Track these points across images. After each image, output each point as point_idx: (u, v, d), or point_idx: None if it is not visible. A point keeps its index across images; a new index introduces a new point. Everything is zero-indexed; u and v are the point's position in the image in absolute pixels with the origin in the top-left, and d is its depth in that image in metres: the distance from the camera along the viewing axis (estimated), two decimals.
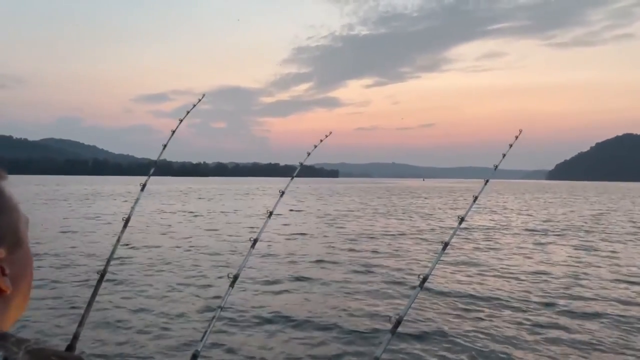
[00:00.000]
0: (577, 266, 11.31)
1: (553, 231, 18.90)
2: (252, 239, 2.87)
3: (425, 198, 48.18)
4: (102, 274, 2.67)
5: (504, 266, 11.06)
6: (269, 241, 14.16)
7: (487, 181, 3.18)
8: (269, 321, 6.73)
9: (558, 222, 23.13)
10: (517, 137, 3.29)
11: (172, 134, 3.39)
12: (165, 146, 3.38)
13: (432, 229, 19.07)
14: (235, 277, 2.70)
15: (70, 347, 2.36)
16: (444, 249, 2.66)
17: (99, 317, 6.42)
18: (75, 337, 2.41)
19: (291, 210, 28.22)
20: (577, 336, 6.32)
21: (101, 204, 31.78)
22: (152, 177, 3.23)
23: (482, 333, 6.33)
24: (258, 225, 3.11)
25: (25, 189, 55.93)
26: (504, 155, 3.25)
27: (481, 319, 6.91)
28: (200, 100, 3.45)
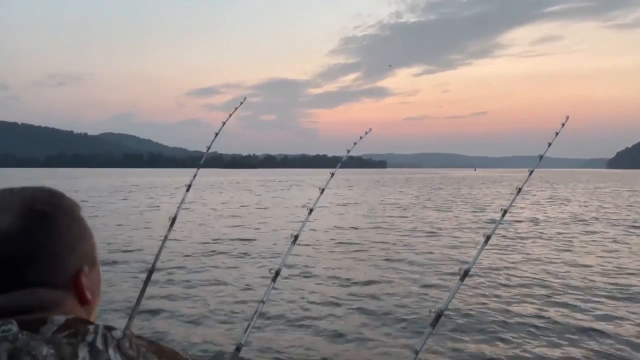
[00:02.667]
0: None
1: (612, 223, 18.05)
2: (292, 235, 2.91)
3: (472, 188, 47.04)
4: (150, 272, 2.78)
5: (554, 259, 10.67)
6: (313, 232, 14.25)
7: (531, 171, 3.10)
8: (308, 313, 6.90)
9: (617, 212, 22.07)
10: (563, 125, 3.17)
11: (215, 137, 3.48)
12: (204, 155, 3.49)
13: (478, 220, 18.61)
14: (277, 273, 2.75)
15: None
16: (486, 241, 2.61)
17: (147, 312, 6.68)
18: (125, 330, 2.53)
19: (334, 202, 28.30)
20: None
21: (158, 194, 32.99)
22: (201, 169, 3.37)
23: (527, 328, 6.17)
24: (300, 218, 3.12)
25: (93, 181, 58.75)
26: (549, 145, 3.15)
27: (526, 315, 6.72)
28: (241, 103, 3.53)
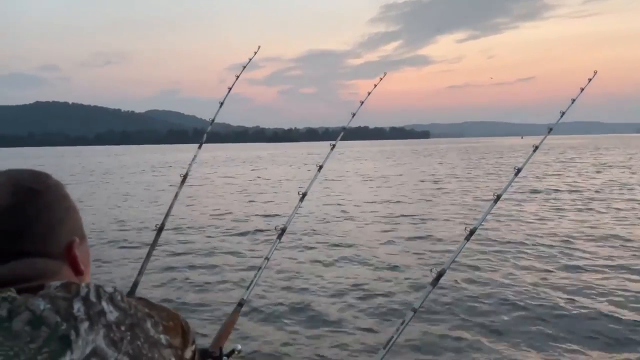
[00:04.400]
0: None
1: None
2: (300, 193, 2.89)
3: (517, 157, 45.46)
4: (161, 227, 2.82)
5: (578, 227, 10.16)
6: (335, 202, 14.27)
7: (550, 129, 2.97)
8: (313, 269, 7.25)
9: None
10: (590, 80, 3.01)
11: (229, 91, 3.45)
12: (222, 104, 3.44)
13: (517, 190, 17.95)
14: (283, 230, 2.74)
15: (131, 294, 2.55)
16: (496, 201, 2.52)
17: (157, 267, 7.10)
18: (135, 284, 2.60)
19: (366, 174, 28.16)
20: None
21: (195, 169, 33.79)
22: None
23: (532, 291, 6.05)
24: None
25: (157, 157, 60.66)
26: (573, 101, 2.99)
27: (532, 278, 6.58)
28: (255, 53, 3.46)
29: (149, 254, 2.72)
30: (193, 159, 3.14)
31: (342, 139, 3.36)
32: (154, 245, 2.74)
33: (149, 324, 0.72)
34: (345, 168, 31.28)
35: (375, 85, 3.27)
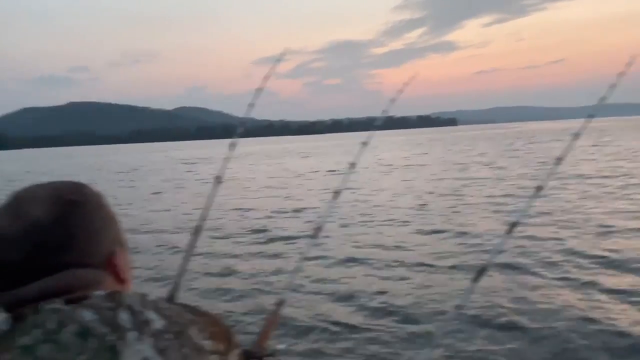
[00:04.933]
0: None
1: None
2: (334, 191, 2.88)
3: (550, 142, 44.46)
4: (197, 229, 2.86)
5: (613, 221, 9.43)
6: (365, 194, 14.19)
7: (592, 116, 2.85)
8: (349, 268, 7.25)
9: None
10: (630, 65, 2.89)
11: (259, 94, 3.46)
12: (252, 105, 3.46)
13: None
14: (318, 229, 2.74)
15: (172, 296, 2.60)
16: (537, 192, 2.45)
17: (192, 270, 7.05)
18: (176, 288, 2.65)
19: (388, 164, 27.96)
20: None
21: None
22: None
23: (576, 290, 5.80)
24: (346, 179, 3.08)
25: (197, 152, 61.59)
26: (612, 86, 2.87)
27: (576, 276, 6.30)
28: (282, 57, 3.46)
29: (187, 257, 2.76)
30: (227, 161, 3.17)
31: (367, 131, 3.34)
32: (191, 247, 2.79)
33: (193, 331, 0.73)
34: (372, 160, 31.12)
35: (406, 85, 3.22)
